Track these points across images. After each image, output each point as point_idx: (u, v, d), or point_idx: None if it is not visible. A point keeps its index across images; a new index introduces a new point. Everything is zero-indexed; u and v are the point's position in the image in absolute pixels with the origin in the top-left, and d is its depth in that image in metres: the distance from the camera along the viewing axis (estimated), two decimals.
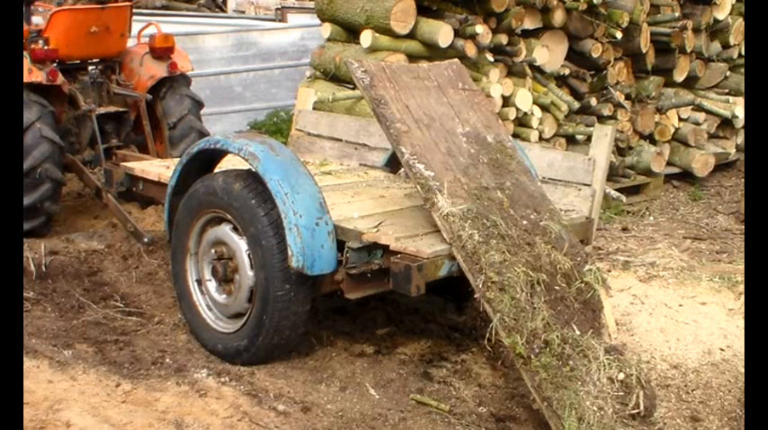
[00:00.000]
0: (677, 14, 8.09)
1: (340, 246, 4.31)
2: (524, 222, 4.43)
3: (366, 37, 7.12)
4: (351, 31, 7.53)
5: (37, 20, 6.88)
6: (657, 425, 4.18)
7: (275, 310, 4.38)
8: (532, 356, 3.96)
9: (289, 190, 4.27)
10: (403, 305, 5.34)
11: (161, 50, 6.78)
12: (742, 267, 5.64)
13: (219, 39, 9.96)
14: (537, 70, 7.56)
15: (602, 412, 3.91)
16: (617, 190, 7.44)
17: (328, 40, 7.69)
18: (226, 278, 4.68)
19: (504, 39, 7.24)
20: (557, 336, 4.03)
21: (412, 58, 7.04)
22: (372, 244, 4.26)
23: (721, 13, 8.47)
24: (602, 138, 5.27)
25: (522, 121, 7.39)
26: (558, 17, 7.41)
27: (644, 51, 8.02)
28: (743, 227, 6.91)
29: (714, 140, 8.80)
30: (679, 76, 8.41)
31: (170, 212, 4.95)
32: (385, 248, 4.25)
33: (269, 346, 4.50)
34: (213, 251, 4.72)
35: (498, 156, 4.76)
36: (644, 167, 7.98)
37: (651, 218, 7.54)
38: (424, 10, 7.17)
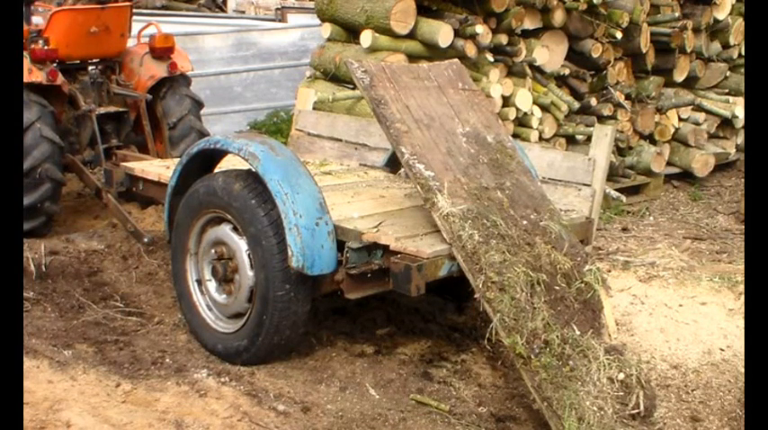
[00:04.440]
0: (677, 14, 8.09)
1: (340, 246, 4.31)
2: (524, 222, 4.43)
3: (366, 37, 7.12)
4: (351, 31, 7.53)
5: (37, 20, 6.88)
6: (657, 425, 4.18)
7: (275, 310, 4.38)
8: (532, 356, 3.96)
9: (289, 190, 4.27)
10: (403, 305, 5.34)
11: (161, 50, 6.77)
12: (742, 267, 5.64)
13: (219, 39, 9.96)
14: (537, 70, 7.55)
15: (602, 412, 3.91)
16: (617, 190, 7.44)
17: (328, 40, 7.69)
18: (226, 278, 4.68)
19: (504, 39, 7.24)
20: (557, 336, 4.03)
21: (412, 58, 7.04)
22: (372, 244, 4.27)
23: (721, 13, 8.46)
24: (602, 138, 5.27)
25: (522, 121, 7.39)
26: (558, 17, 7.41)
27: (644, 51, 8.02)
28: (743, 227, 6.91)
29: (714, 140, 8.80)
30: (679, 76, 8.41)
31: (170, 212, 4.95)
32: (385, 248, 4.26)
33: (269, 346, 4.50)
34: (213, 251, 4.72)
35: (498, 156, 4.76)
36: (644, 167, 7.98)
37: (651, 218, 7.53)
38: (424, 10, 7.17)
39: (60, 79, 6.29)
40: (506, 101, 7.27)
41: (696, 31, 8.31)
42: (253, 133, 9.22)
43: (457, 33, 6.97)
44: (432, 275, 4.16)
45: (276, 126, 9.41)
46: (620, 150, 7.91)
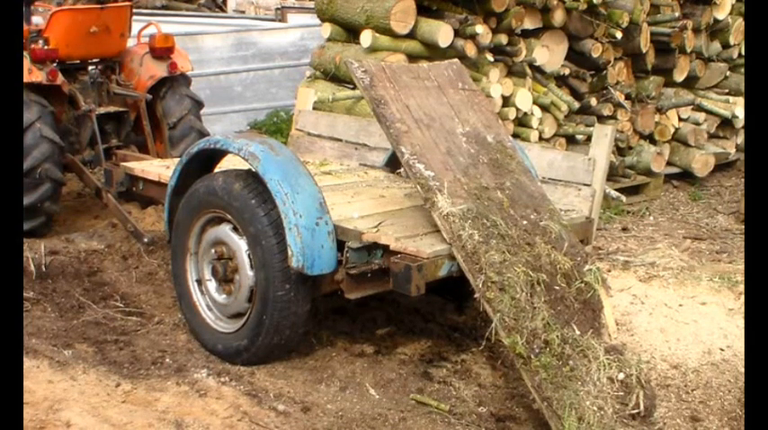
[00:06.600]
0: (677, 14, 8.08)
1: (340, 246, 4.31)
2: (524, 222, 4.43)
3: (366, 37, 7.12)
4: (351, 31, 7.53)
5: (37, 20, 6.89)
6: (657, 425, 4.18)
7: (275, 310, 4.38)
8: (532, 356, 3.96)
9: (289, 190, 4.28)
10: (403, 305, 5.34)
11: (161, 50, 6.78)
12: (742, 267, 5.64)
13: (219, 39, 9.97)
14: (537, 70, 7.55)
15: (602, 412, 3.91)
16: (617, 190, 7.43)
17: (328, 40, 7.69)
18: (226, 278, 4.68)
19: (504, 39, 7.24)
20: (557, 336, 4.03)
21: (412, 58, 7.03)
22: (372, 244, 4.27)
23: (721, 13, 8.46)
24: (602, 138, 5.27)
25: (522, 121, 7.39)
26: (558, 17, 7.40)
27: (644, 51, 8.01)
28: (743, 227, 6.91)
29: (714, 140, 8.80)
30: (679, 76, 8.41)
31: (170, 212, 4.95)
32: (385, 248, 4.26)
33: (269, 346, 4.50)
34: (213, 251, 4.72)
35: (498, 156, 4.76)
36: (644, 167, 7.98)
37: (651, 218, 7.53)
38: (424, 10, 7.16)
39: (60, 79, 6.29)
40: (506, 101, 7.26)
41: (696, 31, 8.31)
42: (253, 133, 9.23)
43: (457, 33, 6.97)
44: (432, 275, 4.16)
45: (276, 126, 9.42)
46: (620, 150, 7.91)
